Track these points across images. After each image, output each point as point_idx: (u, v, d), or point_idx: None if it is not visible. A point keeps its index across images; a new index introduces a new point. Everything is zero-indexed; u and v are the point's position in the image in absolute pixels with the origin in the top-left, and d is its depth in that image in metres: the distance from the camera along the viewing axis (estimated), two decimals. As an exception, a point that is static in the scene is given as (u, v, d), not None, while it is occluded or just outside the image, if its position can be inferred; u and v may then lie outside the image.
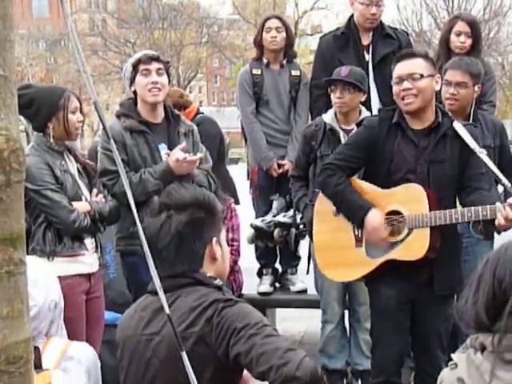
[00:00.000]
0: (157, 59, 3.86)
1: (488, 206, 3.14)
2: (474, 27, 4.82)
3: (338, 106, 4.29)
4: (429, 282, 3.38)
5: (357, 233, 3.49)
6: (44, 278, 2.10)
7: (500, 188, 3.82)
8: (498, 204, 3.11)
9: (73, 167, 3.60)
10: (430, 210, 3.27)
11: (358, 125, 3.65)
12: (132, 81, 3.89)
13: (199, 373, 1.97)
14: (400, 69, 3.40)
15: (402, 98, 3.35)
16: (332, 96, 4.31)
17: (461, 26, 4.77)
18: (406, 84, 3.33)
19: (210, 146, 4.41)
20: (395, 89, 3.40)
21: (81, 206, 3.51)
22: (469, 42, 4.76)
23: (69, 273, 3.38)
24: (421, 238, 3.29)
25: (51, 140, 3.51)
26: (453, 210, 3.23)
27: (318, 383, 1.93)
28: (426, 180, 3.34)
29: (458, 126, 3.40)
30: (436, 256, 3.32)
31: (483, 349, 1.76)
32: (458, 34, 4.77)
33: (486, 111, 4.66)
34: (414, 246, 3.32)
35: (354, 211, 3.45)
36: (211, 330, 2.02)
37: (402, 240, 3.35)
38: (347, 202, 3.46)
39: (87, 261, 3.55)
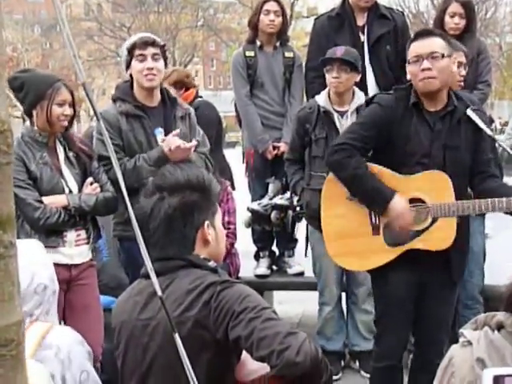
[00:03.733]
0: (152, 44, 3.80)
1: (504, 199, 3.08)
2: (468, 8, 4.82)
3: (335, 86, 4.25)
4: (444, 267, 3.29)
5: (374, 220, 3.34)
6: (29, 263, 2.08)
7: None
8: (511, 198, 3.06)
9: (61, 158, 3.58)
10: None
11: (368, 103, 3.49)
12: (128, 65, 3.86)
13: (197, 356, 1.97)
14: (419, 47, 3.22)
15: (421, 78, 3.20)
16: (328, 76, 4.27)
17: (455, 7, 4.77)
18: (426, 63, 3.17)
19: (209, 131, 4.39)
20: (412, 68, 3.24)
21: (55, 201, 3.49)
22: (463, 23, 4.76)
23: None
24: (447, 227, 3.20)
25: (35, 128, 3.50)
26: (477, 201, 3.15)
27: (319, 366, 1.92)
28: (441, 165, 3.24)
29: (470, 111, 3.29)
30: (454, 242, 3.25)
31: (499, 328, 1.74)
32: (452, 16, 4.76)
33: (481, 91, 4.66)
34: (440, 236, 3.22)
35: (375, 197, 3.27)
36: (209, 314, 2.00)
37: (426, 229, 3.25)
38: (368, 187, 3.27)
39: (67, 252, 3.54)
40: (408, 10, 33.17)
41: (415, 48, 3.25)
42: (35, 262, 2.13)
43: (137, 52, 3.79)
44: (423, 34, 3.30)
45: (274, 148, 5.04)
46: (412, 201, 3.27)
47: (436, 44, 3.22)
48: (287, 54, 5.14)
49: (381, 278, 3.42)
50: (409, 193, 3.25)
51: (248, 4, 36.40)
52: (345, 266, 3.67)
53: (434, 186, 3.22)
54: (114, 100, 3.91)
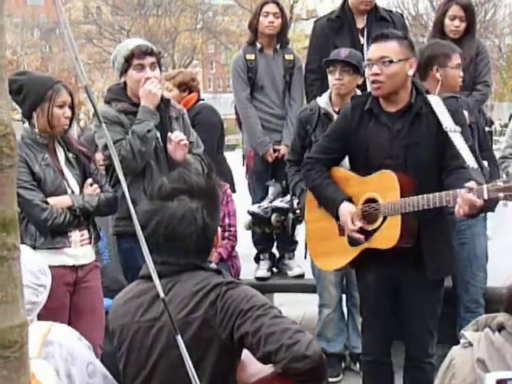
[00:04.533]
0: (150, 53, 3.79)
1: (451, 192, 3.01)
2: (468, 11, 4.79)
3: (337, 88, 4.23)
4: (416, 266, 3.27)
5: (339, 222, 3.45)
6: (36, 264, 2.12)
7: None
8: (457, 190, 2.97)
9: (61, 159, 3.58)
10: (402, 196, 3.18)
11: None
12: (123, 72, 3.83)
13: (203, 356, 1.99)
14: (371, 51, 3.30)
15: (371, 82, 3.28)
16: (330, 77, 4.25)
17: (455, 9, 4.75)
18: (374, 68, 3.23)
19: (210, 135, 4.39)
20: (366, 71, 3.34)
21: (60, 202, 3.48)
22: (463, 25, 4.74)
23: (51, 263, 3.34)
24: (393, 226, 3.22)
25: (35, 130, 3.48)
26: (420, 197, 3.11)
27: (324, 366, 1.97)
28: (404, 165, 3.26)
29: (433, 100, 3.27)
30: (422, 241, 3.25)
31: (500, 329, 1.74)
32: (453, 19, 4.74)
33: (481, 91, 4.65)
34: (387, 235, 3.25)
35: (329, 206, 3.46)
36: (215, 314, 2.02)
37: (378, 228, 3.29)
38: (323, 196, 3.48)
39: (72, 253, 3.53)
40: (407, 12, 33.13)
41: (369, 52, 3.32)
42: (40, 264, 2.17)
43: (135, 62, 3.77)
44: (378, 37, 3.31)
45: (275, 151, 5.05)
46: (369, 201, 3.34)
47: (387, 49, 3.23)
48: (287, 57, 5.14)
49: (358, 276, 3.59)
50: (366, 194, 3.35)
51: (247, 6, 36.45)
52: (320, 266, 3.83)
53: (385, 186, 3.27)
54: (108, 102, 3.89)
